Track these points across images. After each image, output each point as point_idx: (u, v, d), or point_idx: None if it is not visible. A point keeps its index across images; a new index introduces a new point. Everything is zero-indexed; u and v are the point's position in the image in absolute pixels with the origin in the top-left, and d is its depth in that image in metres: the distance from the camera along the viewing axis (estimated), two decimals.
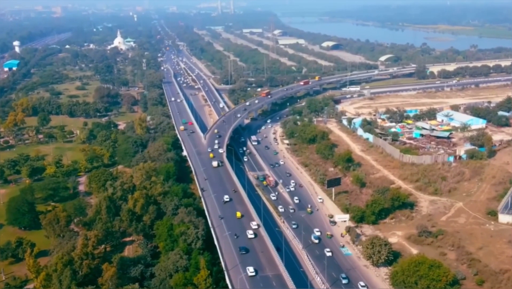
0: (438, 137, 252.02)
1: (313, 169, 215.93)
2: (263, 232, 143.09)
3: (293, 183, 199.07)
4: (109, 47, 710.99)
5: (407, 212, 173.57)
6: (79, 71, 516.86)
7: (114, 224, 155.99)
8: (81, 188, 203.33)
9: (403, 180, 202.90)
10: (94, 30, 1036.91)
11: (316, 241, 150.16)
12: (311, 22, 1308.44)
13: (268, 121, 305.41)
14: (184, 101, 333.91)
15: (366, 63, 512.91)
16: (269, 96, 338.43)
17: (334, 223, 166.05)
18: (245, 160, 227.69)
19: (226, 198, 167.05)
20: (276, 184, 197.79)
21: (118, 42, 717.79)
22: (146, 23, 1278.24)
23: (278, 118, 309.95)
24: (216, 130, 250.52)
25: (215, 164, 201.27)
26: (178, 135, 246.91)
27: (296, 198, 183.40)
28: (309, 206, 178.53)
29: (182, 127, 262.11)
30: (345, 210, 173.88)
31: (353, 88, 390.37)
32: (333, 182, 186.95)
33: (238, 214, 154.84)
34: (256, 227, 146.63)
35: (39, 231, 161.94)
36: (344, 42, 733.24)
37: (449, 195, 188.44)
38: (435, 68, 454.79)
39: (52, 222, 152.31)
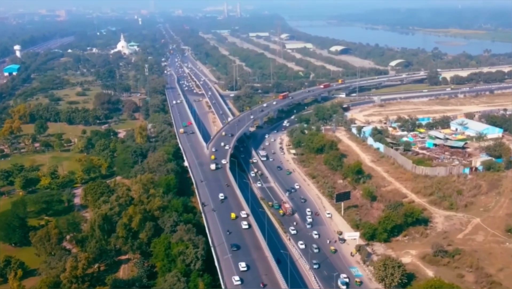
0: (452, 147, 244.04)
1: (321, 181, 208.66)
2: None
3: (309, 212, 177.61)
4: (112, 51, 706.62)
5: (421, 228, 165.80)
6: (81, 76, 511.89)
7: (109, 242, 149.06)
8: (77, 200, 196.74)
9: (416, 194, 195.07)
10: (98, 34, 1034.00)
11: (344, 287, 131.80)
12: (319, 26, 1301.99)
13: (285, 122, 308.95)
14: (184, 102, 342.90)
15: (375, 69, 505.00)
16: (290, 98, 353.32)
17: (344, 240, 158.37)
18: (258, 185, 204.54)
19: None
20: (293, 211, 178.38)
21: (121, 46, 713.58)
22: (151, 26, 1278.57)
23: (283, 128, 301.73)
24: (222, 141, 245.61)
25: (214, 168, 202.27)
26: (180, 144, 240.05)
27: (315, 232, 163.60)
28: (332, 240, 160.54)
29: (182, 130, 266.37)
30: (355, 226, 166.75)
31: (341, 95, 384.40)
32: (342, 196, 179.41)
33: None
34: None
35: (30, 248, 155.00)
36: (353, 46, 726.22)
37: (466, 210, 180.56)
38: (447, 74, 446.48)
39: (42, 240, 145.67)
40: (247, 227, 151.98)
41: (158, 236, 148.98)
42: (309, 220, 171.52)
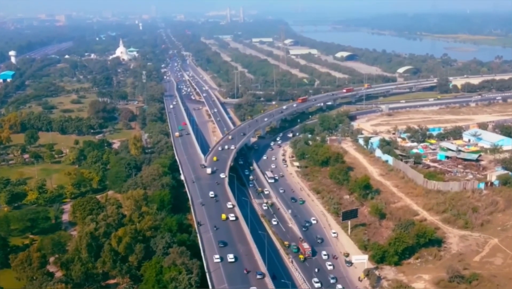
0: (465, 160, 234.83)
1: (326, 197, 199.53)
2: None
3: (325, 255, 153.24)
4: (110, 57, 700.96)
5: (434, 250, 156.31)
6: (77, 83, 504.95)
7: (95, 265, 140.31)
8: (65, 217, 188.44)
9: (428, 211, 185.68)
10: (97, 39, 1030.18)
11: None
12: (324, 31, 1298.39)
13: (289, 135, 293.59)
14: (180, 103, 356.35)
15: (383, 76, 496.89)
16: (314, 100, 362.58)
17: (351, 263, 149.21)
18: (274, 222, 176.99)
19: (230, 258, 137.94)
20: (314, 253, 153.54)
21: (120, 52, 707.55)
22: (152, 31, 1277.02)
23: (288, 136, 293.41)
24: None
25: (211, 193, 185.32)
26: (176, 156, 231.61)
27: (324, 252, 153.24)
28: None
29: (177, 133, 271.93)
30: (363, 247, 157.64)
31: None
32: (349, 214, 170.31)
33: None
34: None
35: (12, 270, 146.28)
36: (359, 52, 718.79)
37: (482, 229, 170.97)
38: (458, 82, 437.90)
39: (23, 263, 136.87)
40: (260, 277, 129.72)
41: (150, 258, 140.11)
42: (329, 267, 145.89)
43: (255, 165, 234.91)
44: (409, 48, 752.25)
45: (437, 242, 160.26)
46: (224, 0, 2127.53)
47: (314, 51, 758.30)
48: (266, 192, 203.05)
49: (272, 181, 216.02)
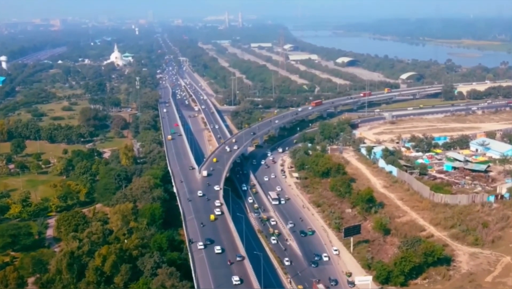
0: (473, 170, 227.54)
1: (327, 210, 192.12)
2: None
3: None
4: (105, 62, 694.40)
5: (443, 269, 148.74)
6: (69, 89, 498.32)
7: (78, 286, 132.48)
8: (50, 232, 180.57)
9: (435, 226, 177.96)
10: (92, 44, 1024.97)
11: None
12: (324, 36, 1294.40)
13: (279, 150, 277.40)
14: (175, 109, 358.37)
15: (385, 82, 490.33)
16: (332, 102, 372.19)
17: (353, 284, 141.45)
18: (273, 241, 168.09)
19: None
20: None
21: (115, 57, 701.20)
22: (148, 36, 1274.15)
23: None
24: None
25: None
26: (169, 168, 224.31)
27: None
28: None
29: (169, 136, 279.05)
30: (367, 266, 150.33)
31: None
32: (352, 231, 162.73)
33: None
34: None
35: None
36: (361, 58, 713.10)
37: (493, 246, 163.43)
38: (464, 88, 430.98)
39: None
40: None
41: (137, 279, 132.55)
42: None
43: (255, 181, 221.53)
44: (411, 54, 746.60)
45: (446, 260, 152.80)
46: (222, 5, 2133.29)
47: (314, 57, 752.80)
48: (272, 222, 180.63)
49: (276, 202, 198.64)
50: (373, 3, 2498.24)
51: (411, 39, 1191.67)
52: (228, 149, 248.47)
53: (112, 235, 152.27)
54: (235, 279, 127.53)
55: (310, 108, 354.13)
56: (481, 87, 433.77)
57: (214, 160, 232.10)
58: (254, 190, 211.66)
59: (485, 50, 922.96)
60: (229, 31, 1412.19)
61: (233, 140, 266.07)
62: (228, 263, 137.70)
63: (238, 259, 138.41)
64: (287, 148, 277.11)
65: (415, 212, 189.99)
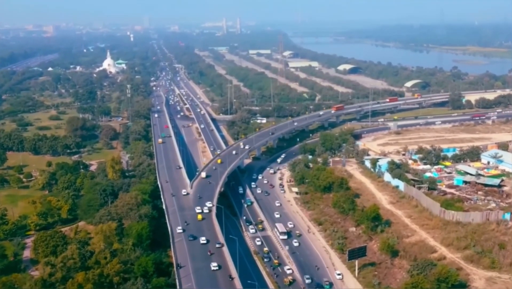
0: (486, 185, 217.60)
1: (329, 229, 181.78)
2: None
3: None
4: (97, 69, 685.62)
5: None
6: (58, 97, 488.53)
7: None
8: (27, 253, 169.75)
9: (447, 247, 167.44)
10: (85, 51, 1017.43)
11: None
12: (325, 43, 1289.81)
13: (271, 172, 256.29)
14: (166, 114, 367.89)
15: (389, 90, 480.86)
16: (359, 106, 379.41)
17: None
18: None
19: None
20: None
21: (108, 64, 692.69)
22: (144, 43, 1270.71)
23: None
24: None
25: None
26: (158, 181, 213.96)
27: None
28: None
29: (160, 140, 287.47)
30: None
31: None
32: (357, 253, 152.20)
33: None
34: None
35: None
36: (363, 65, 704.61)
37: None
38: (472, 97, 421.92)
39: None
40: None
41: None
42: None
43: (263, 217, 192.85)
44: (416, 61, 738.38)
45: (461, 286, 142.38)
46: (220, 11, 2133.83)
47: (315, 64, 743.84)
48: (287, 270, 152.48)
49: (285, 237, 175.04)
50: (375, 10, 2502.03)
51: (415, 46, 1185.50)
52: (234, 152, 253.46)
53: (92, 258, 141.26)
54: None
55: (332, 112, 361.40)
56: (490, 95, 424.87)
57: (219, 160, 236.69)
58: (260, 226, 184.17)
59: (491, 57, 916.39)
60: (227, 38, 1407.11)
61: (241, 144, 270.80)
62: None
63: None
64: (282, 154, 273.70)
65: (424, 231, 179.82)
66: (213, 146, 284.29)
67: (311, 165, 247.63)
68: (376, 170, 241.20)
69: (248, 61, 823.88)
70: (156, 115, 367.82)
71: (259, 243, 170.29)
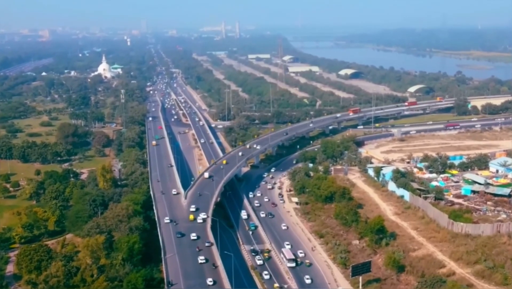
0: (495, 195, 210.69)
1: (331, 242, 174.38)
2: None
3: None
4: (92, 74, 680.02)
5: None
6: (51, 103, 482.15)
7: None
8: (10, 268, 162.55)
9: (456, 261, 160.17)
10: (80, 55, 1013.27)
11: None
12: (326, 48, 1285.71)
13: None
14: (162, 120, 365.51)
15: (392, 95, 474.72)
16: (381, 109, 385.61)
17: None
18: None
19: None
20: None
21: (103, 69, 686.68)
22: (141, 47, 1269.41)
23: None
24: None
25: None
26: (151, 192, 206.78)
27: None
28: None
29: (154, 142, 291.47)
30: None
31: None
32: (360, 269, 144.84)
33: None
34: None
35: None
36: (365, 70, 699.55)
37: None
38: (478, 102, 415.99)
39: None
40: None
41: None
42: None
43: (269, 246, 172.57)
44: (419, 66, 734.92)
45: None
46: (219, 15, 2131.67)
47: (315, 69, 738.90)
48: None
49: (293, 264, 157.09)
50: (375, 14, 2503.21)
51: (417, 51, 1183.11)
52: (240, 154, 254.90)
53: (78, 275, 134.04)
54: None
55: (350, 114, 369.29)
56: (497, 101, 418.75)
57: (224, 161, 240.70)
58: (266, 255, 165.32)
59: (496, 62, 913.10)
60: (226, 42, 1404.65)
61: (247, 145, 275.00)
62: None
63: None
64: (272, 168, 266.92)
65: (432, 244, 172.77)
66: (213, 154, 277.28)
67: (311, 173, 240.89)
68: (380, 179, 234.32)
69: (247, 66, 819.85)
70: (150, 118, 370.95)
71: (267, 277, 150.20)
